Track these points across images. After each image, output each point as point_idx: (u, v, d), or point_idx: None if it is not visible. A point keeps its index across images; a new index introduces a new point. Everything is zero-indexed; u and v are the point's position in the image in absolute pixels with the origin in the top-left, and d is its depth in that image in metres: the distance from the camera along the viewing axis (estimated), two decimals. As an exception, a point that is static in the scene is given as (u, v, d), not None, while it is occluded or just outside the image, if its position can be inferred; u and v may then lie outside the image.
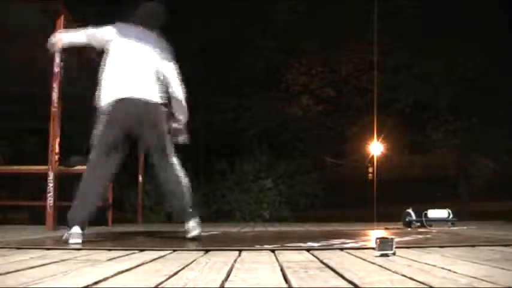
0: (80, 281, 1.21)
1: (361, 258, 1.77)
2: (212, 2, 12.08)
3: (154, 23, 3.22)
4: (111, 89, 3.00)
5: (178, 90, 3.18)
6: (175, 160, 3.08)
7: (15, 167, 5.70)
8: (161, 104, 3.05)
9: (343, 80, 13.19)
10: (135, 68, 3.02)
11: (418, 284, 1.16)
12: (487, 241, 2.67)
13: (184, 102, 3.23)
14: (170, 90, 3.14)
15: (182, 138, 3.30)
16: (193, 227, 3.00)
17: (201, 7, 12.12)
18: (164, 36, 3.23)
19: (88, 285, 1.16)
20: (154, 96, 3.01)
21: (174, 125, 3.21)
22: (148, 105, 2.97)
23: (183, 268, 1.49)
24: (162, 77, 3.10)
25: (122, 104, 2.94)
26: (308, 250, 2.10)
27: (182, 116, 3.25)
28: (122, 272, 1.40)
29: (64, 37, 3.28)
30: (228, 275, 1.34)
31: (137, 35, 3.11)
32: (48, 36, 4.37)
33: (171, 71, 3.14)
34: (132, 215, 8.73)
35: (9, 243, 2.59)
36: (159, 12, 3.29)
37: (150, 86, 3.02)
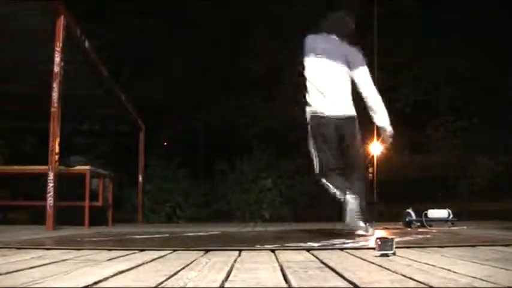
0: (80, 281, 1.21)
1: (361, 258, 1.77)
2: (213, 2, 12.08)
3: (343, 31, 3.32)
4: (313, 107, 3.26)
5: (371, 96, 3.25)
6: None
7: (15, 167, 5.70)
8: (354, 116, 3.23)
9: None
10: (328, 84, 3.22)
11: (418, 284, 1.16)
12: (487, 241, 2.66)
13: (381, 108, 3.29)
14: (364, 96, 3.25)
15: (389, 141, 3.42)
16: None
17: (202, 6, 12.13)
18: (357, 42, 3.31)
19: (88, 285, 1.16)
20: (348, 109, 3.23)
21: (383, 132, 3.38)
22: (343, 119, 3.20)
23: (183, 268, 1.49)
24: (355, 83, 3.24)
25: (324, 120, 3.21)
26: (308, 250, 2.10)
27: (383, 122, 3.33)
28: (122, 272, 1.40)
29: None
30: (228, 275, 1.34)
31: (325, 47, 3.25)
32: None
33: (361, 77, 3.23)
34: (132, 215, 8.73)
35: (9, 243, 2.59)
36: (347, 21, 3.38)
37: (344, 101, 3.22)
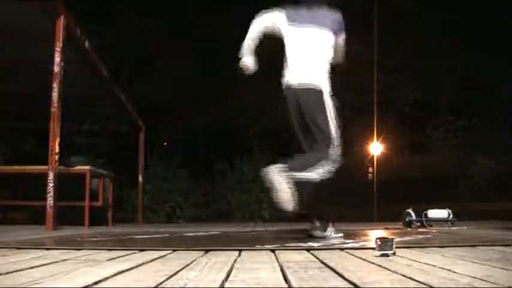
0: (80, 281, 1.21)
1: (361, 258, 1.77)
2: (213, 1, 12.08)
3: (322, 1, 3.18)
4: (287, 76, 3.11)
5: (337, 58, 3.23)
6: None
7: (15, 167, 5.70)
8: (324, 90, 3.03)
9: (343, 80, 13.20)
10: (302, 53, 3.08)
11: (418, 284, 1.16)
12: (487, 241, 2.66)
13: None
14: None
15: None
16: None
17: (202, 6, 12.12)
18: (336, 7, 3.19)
19: (88, 285, 1.16)
20: (318, 81, 3.02)
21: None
22: (309, 91, 3.00)
23: (183, 268, 1.49)
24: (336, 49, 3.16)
25: (291, 90, 3.05)
26: (308, 250, 2.10)
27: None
28: (122, 272, 1.40)
29: (247, 55, 3.29)
30: (228, 275, 1.34)
31: (306, 19, 3.12)
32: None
33: (339, 41, 3.19)
34: (132, 215, 8.73)
35: (9, 243, 2.58)
36: None
37: (317, 72, 3.05)
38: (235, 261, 1.69)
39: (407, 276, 1.28)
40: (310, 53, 3.07)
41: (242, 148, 10.82)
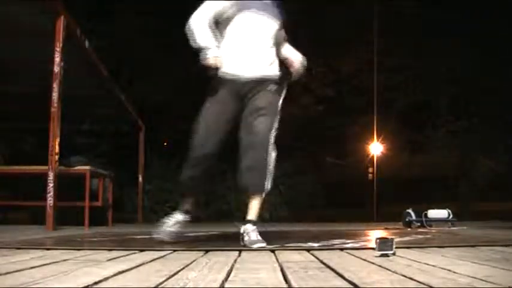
0: (80, 281, 1.21)
1: (361, 258, 1.77)
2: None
3: None
4: (227, 63, 2.81)
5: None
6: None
7: (15, 167, 5.70)
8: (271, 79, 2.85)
9: (343, 80, 13.21)
10: (252, 44, 2.86)
11: (418, 284, 1.16)
12: (487, 241, 2.67)
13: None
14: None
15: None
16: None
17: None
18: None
19: (88, 285, 1.16)
20: (266, 71, 2.85)
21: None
22: (255, 81, 2.82)
23: (183, 268, 1.49)
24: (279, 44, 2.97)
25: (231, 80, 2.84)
26: (308, 250, 2.10)
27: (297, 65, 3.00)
28: (122, 272, 1.40)
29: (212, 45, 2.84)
30: (228, 275, 1.34)
31: (258, 7, 2.89)
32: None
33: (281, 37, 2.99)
34: (132, 215, 8.73)
35: (9, 243, 2.58)
36: None
37: (264, 62, 2.86)
38: (235, 261, 1.69)
39: (408, 276, 1.28)
40: (258, 41, 2.87)
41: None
